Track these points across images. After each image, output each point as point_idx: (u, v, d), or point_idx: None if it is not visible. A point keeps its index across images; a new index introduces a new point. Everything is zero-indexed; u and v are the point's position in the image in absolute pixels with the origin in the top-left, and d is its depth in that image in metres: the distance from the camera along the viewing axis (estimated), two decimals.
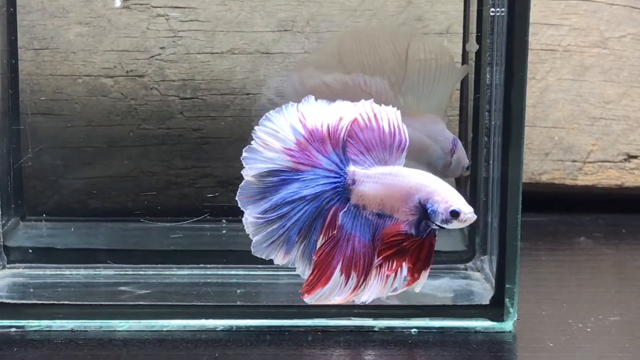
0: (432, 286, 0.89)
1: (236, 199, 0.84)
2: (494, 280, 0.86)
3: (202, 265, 0.93)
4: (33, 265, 0.92)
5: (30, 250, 0.93)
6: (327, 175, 0.83)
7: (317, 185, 0.83)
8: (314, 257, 0.83)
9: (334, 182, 0.83)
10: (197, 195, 1.03)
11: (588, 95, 1.14)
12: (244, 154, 0.84)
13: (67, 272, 0.91)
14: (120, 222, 1.00)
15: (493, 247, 0.89)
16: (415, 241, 0.82)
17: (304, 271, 0.84)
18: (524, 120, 0.83)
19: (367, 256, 0.83)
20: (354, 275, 0.83)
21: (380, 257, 0.82)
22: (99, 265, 0.92)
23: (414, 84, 0.92)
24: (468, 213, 0.82)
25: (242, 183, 0.84)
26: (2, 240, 0.91)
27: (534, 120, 1.13)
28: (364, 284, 0.83)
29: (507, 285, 0.85)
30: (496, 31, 0.88)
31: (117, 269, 0.92)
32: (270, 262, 0.92)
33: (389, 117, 0.82)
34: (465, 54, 0.97)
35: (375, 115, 0.82)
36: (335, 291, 0.83)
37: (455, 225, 0.82)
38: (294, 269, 0.91)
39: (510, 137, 0.82)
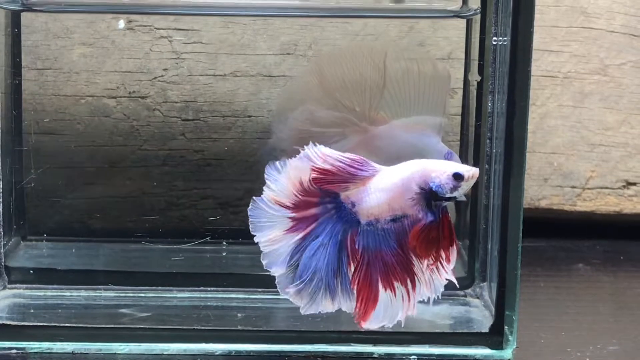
0: (431, 312, 0.90)
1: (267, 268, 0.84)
2: (493, 307, 0.87)
3: (202, 288, 0.93)
4: (34, 286, 0.92)
5: (31, 271, 0.93)
6: (327, 214, 0.83)
7: (326, 226, 0.83)
8: (352, 288, 0.83)
9: (337, 214, 0.83)
10: (198, 216, 1.03)
11: (588, 122, 1.14)
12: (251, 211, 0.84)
13: (68, 294, 0.92)
14: (121, 242, 1.00)
15: (493, 274, 0.89)
16: (437, 225, 0.82)
17: (351, 305, 0.84)
18: (525, 150, 0.83)
19: (402, 263, 0.83)
20: (398, 285, 0.82)
21: (423, 258, 0.82)
22: (99, 287, 0.92)
23: (396, 94, 0.93)
24: (470, 170, 0.81)
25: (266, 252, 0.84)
26: (3, 260, 0.91)
27: (533, 146, 1.14)
28: (415, 287, 0.83)
29: (506, 313, 0.85)
30: (498, 60, 0.88)
31: (118, 290, 0.92)
32: (271, 285, 0.93)
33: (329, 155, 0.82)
34: (466, 80, 0.98)
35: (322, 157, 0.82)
36: (390, 308, 0.83)
37: (464, 188, 0.81)
38: None
39: (511, 166, 0.83)
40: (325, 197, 0.83)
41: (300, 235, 0.83)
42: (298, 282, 0.83)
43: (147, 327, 0.86)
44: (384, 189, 0.83)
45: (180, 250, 0.97)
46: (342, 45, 1.02)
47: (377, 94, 0.92)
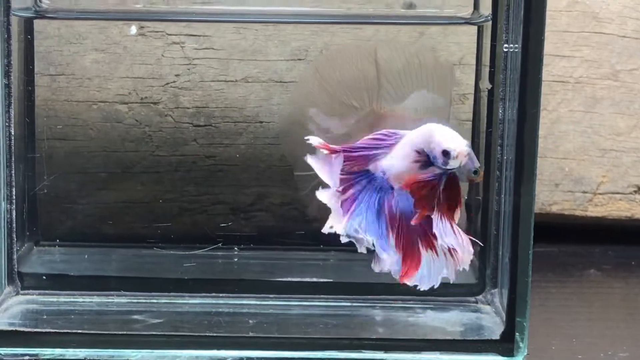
0: (442, 319, 0.90)
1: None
2: (504, 314, 0.87)
3: (214, 294, 0.93)
4: (47, 292, 0.93)
5: (44, 277, 0.93)
6: (363, 189, 0.84)
7: (363, 199, 0.84)
8: (396, 251, 0.84)
9: (372, 185, 0.84)
10: (210, 222, 1.03)
11: (599, 127, 1.14)
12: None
13: (80, 300, 0.92)
14: (133, 248, 1.00)
15: (504, 280, 0.89)
16: (435, 183, 0.83)
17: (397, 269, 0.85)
18: (536, 157, 0.84)
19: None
20: (438, 243, 0.83)
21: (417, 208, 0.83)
22: (111, 292, 0.92)
23: (399, 87, 0.93)
24: (457, 148, 0.82)
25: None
26: (16, 266, 0.92)
27: (544, 151, 1.14)
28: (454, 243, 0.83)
29: (517, 319, 0.85)
30: (509, 67, 0.88)
31: (130, 296, 0.92)
32: (282, 291, 0.93)
33: None
34: (477, 86, 0.98)
35: None
36: (433, 266, 0.84)
37: (454, 164, 0.82)
38: (305, 298, 0.92)
39: (522, 173, 0.83)
40: (358, 175, 0.84)
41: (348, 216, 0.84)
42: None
43: (160, 333, 0.86)
44: (402, 155, 0.83)
45: (192, 256, 0.98)
46: (336, 46, 1.02)
47: (375, 88, 0.93)
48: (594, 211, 1.15)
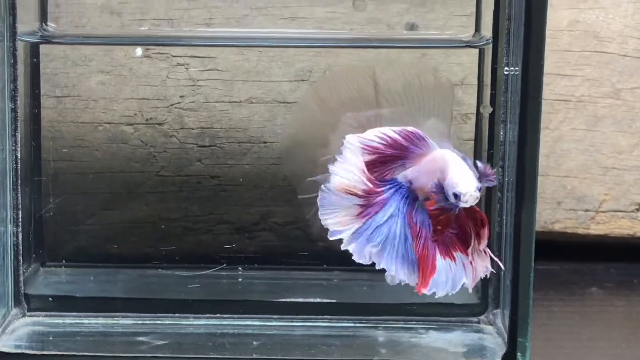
0: (444, 340, 0.91)
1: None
2: (506, 335, 0.88)
3: (218, 315, 0.94)
4: (53, 313, 0.93)
5: (50, 299, 0.94)
6: (391, 197, 0.85)
7: (390, 207, 0.86)
8: (414, 257, 0.85)
9: (399, 194, 0.86)
10: (214, 241, 1.04)
11: (600, 146, 1.15)
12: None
13: (86, 321, 0.93)
14: (138, 268, 1.01)
15: (506, 301, 0.90)
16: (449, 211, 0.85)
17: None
18: (537, 181, 0.84)
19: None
20: (458, 254, 0.85)
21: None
22: (117, 314, 0.93)
23: (397, 108, 0.94)
24: (466, 194, 0.83)
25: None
26: (22, 288, 0.93)
27: (546, 170, 1.14)
28: (473, 255, 0.85)
29: (519, 340, 0.86)
30: (510, 89, 0.89)
31: (135, 318, 0.93)
32: (286, 312, 0.94)
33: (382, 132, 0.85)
34: (479, 108, 0.99)
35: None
36: (450, 275, 0.85)
37: (463, 204, 0.83)
38: (309, 319, 0.93)
39: (523, 197, 0.84)
40: (388, 183, 0.86)
41: (369, 219, 0.85)
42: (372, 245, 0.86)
43: (165, 355, 0.87)
44: (427, 171, 0.85)
45: (196, 276, 0.98)
46: (335, 69, 1.03)
47: (374, 109, 0.93)
48: (596, 229, 1.16)
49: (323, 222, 0.86)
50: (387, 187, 0.86)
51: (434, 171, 0.85)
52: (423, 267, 0.85)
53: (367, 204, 0.86)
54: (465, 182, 0.83)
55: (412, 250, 0.85)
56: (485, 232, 0.86)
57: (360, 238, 0.86)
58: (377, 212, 0.86)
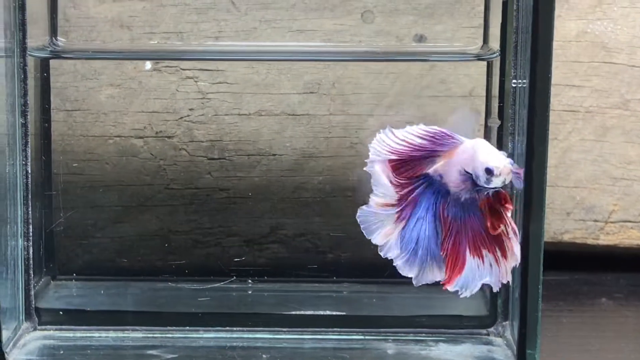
0: (454, 352, 0.91)
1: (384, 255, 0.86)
2: (515, 347, 0.88)
3: (228, 327, 0.94)
4: (63, 327, 0.94)
5: (61, 312, 0.95)
6: (422, 192, 0.86)
7: (422, 202, 0.86)
8: (441, 253, 0.85)
9: (430, 188, 0.85)
10: (224, 254, 1.04)
11: (609, 156, 1.15)
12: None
13: (97, 335, 0.93)
14: (148, 281, 1.01)
15: (515, 313, 0.90)
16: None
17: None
18: (545, 192, 0.84)
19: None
20: (486, 253, 0.84)
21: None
22: (127, 327, 0.94)
23: None
24: (500, 166, 0.82)
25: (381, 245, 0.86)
26: (33, 302, 0.93)
27: (556, 180, 1.14)
28: (505, 255, 0.84)
29: (528, 351, 0.86)
30: (518, 102, 0.89)
31: (145, 331, 0.93)
32: (295, 324, 0.94)
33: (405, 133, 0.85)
34: (487, 119, 0.99)
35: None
36: (477, 274, 0.85)
37: (497, 182, 0.82)
38: (319, 331, 0.93)
39: (531, 210, 0.84)
40: (418, 180, 0.86)
41: (406, 220, 0.86)
42: (404, 253, 0.85)
43: None
44: (457, 162, 0.85)
45: (206, 289, 0.99)
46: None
47: None
48: (605, 239, 1.16)
49: (372, 240, 0.86)
50: (419, 183, 0.86)
51: (465, 161, 0.84)
52: (452, 263, 0.85)
53: (401, 207, 0.86)
54: (496, 157, 0.82)
55: (439, 247, 0.85)
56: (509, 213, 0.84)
57: (401, 252, 0.86)
58: (410, 215, 0.86)
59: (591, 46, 1.14)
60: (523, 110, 0.87)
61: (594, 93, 1.15)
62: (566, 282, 1.13)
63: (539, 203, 0.84)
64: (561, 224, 1.16)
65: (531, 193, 0.85)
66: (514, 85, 0.89)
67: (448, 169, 0.85)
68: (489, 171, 0.82)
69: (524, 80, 0.87)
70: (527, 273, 0.85)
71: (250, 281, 1.01)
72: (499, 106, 0.93)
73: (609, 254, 1.16)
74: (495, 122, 0.93)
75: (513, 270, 0.85)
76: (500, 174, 0.82)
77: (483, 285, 0.96)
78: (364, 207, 0.86)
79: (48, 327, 0.94)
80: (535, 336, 0.85)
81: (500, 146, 0.94)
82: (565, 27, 1.14)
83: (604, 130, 1.15)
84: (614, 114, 1.15)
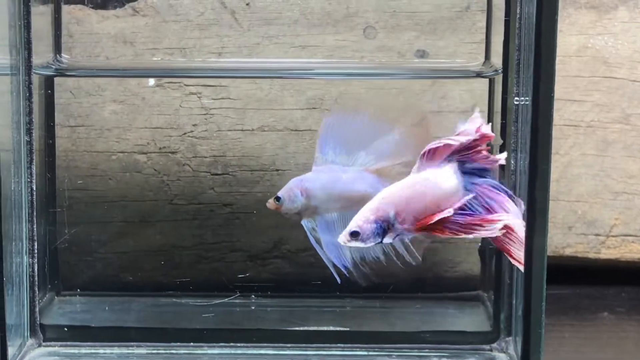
0: None
1: None
2: None
3: (232, 344, 0.94)
4: (68, 343, 0.94)
5: (66, 328, 0.95)
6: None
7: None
8: None
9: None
10: (228, 269, 1.05)
11: (611, 170, 1.16)
12: None
13: (102, 351, 0.93)
14: (152, 297, 1.02)
15: (518, 329, 0.90)
16: None
17: None
18: (548, 210, 0.85)
19: None
20: None
21: None
22: (131, 343, 0.94)
23: None
24: (342, 237, 0.84)
25: None
26: (38, 319, 0.94)
27: (557, 195, 1.15)
28: None
29: None
30: (520, 119, 0.90)
31: (150, 347, 0.94)
32: (299, 340, 0.94)
33: None
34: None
35: None
36: None
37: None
38: (322, 347, 0.93)
39: (534, 227, 0.84)
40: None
41: None
42: None
43: None
44: None
45: (210, 305, 0.99)
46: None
47: None
48: (607, 253, 1.16)
49: None
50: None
51: None
52: None
53: None
54: (350, 227, 0.84)
55: None
56: None
57: None
58: None
59: (592, 61, 1.15)
60: (525, 128, 0.87)
61: (595, 108, 1.15)
62: (567, 297, 1.13)
63: (542, 219, 0.85)
64: (563, 238, 1.16)
65: (534, 209, 0.85)
66: (516, 103, 0.90)
67: None
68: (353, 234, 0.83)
69: (527, 98, 0.87)
70: (531, 289, 0.85)
71: (253, 297, 1.01)
72: (502, 123, 0.94)
73: (611, 268, 1.16)
74: (498, 141, 0.94)
75: None
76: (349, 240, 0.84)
77: (486, 299, 0.98)
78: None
79: (53, 343, 0.94)
80: (539, 353, 0.85)
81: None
82: (566, 42, 1.14)
83: (605, 144, 1.15)
84: (615, 129, 1.15)
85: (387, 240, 0.84)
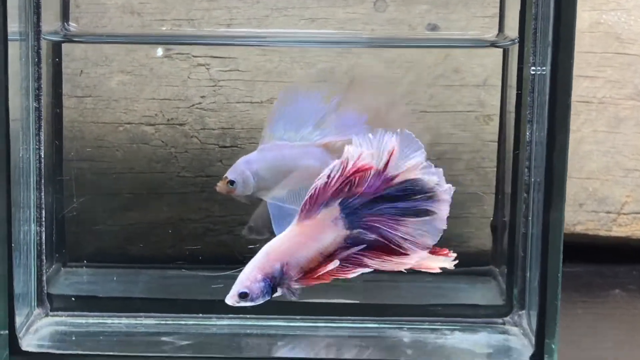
0: (470, 341, 0.90)
1: None
2: (532, 336, 0.87)
3: (241, 315, 0.93)
4: (75, 313, 0.93)
5: (73, 298, 0.94)
6: None
7: None
8: None
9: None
10: (235, 242, 1.04)
11: (622, 147, 1.15)
12: None
13: (109, 321, 0.92)
14: (160, 269, 1.01)
15: (531, 302, 0.89)
16: None
17: None
18: (565, 182, 0.84)
19: None
20: None
21: None
22: (140, 314, 0.93)
23: None
24: (230, 298, 0.83)
25: None
26: (45, 288, 0.92)
27: (568, 171, 1.13)
28: None
29: (546, 341, 0.85)
30: (537, 89, 0.89)
31: (158, 318, 0.93)
32: (309, 312, 0.93)
33: None
34: (503, 108, 0.98)
35: None
36: None
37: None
38: (333, 319, 0.92)
39: (551, 200, 0.83)
40: None
41: None
42: None
43: (189, 355, 0.86)
44: None
45: (219, 276, 0.98)
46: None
47: None
48: (618, 231, 1.15)
49: None
50: None
51: None
52: None
53: None
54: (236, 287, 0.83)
55: None
56: None
57: None
58: None
59: (604, 37, 1.14)
60: (542, 98, 0.86)
61: (607, 84, 1.14)
62: (579, 274, 1.12)
63: (559, 192, 0.84)
64: (574, 216, 1.15)
65: (551, 182, 0.84)
66: (532, 73, 0.89)
67: None
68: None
69: (544, 67, 0.86)
70: (547, 261, 0.84)
71: None
72: (517, 94, 0.92)
73: (622, 246, 1.15)
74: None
75: None
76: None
77: (498, 274, 0.97)
78: None
79: (60, 313, 0.93)
80: (555, 325, 0.84)
81: (517, 133, 0.93)
82: (579, 17, 1.11)
83: (617, 121, 1.14)
84: (627, 105, 1.14)
85: (278, 294, 0.83)
